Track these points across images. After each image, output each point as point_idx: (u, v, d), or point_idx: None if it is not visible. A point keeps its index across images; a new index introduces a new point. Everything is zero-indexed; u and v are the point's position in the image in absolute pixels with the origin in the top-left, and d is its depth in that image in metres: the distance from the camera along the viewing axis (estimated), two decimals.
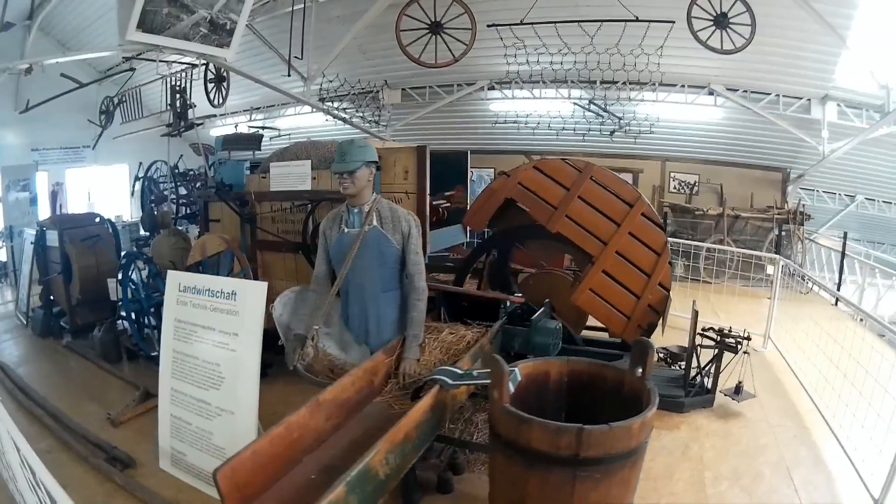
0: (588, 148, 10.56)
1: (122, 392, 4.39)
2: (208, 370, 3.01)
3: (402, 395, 2.63)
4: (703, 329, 4.22)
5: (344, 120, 10.53)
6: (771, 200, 10.42)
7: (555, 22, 7.57)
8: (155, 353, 4.77)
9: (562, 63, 8.36)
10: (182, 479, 3.14)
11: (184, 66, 7.93)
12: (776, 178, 10.70)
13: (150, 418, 3.72)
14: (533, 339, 3.12)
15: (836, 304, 7.69)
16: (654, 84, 8.84)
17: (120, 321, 5.30)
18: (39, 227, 5.91)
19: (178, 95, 6.73)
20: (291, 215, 5.09)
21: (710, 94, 9.26)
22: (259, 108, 12.73)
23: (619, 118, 9.81)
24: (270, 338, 3.01)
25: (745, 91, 9.08)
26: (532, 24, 7.53)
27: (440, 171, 4.76)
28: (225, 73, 8.34)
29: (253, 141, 7.02)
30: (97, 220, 6.06)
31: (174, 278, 3.29)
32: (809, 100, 8.86)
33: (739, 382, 4.23)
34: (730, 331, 4.20)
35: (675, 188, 11.29)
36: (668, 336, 4.20)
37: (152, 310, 4.86)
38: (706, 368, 4.23)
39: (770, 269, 8.55)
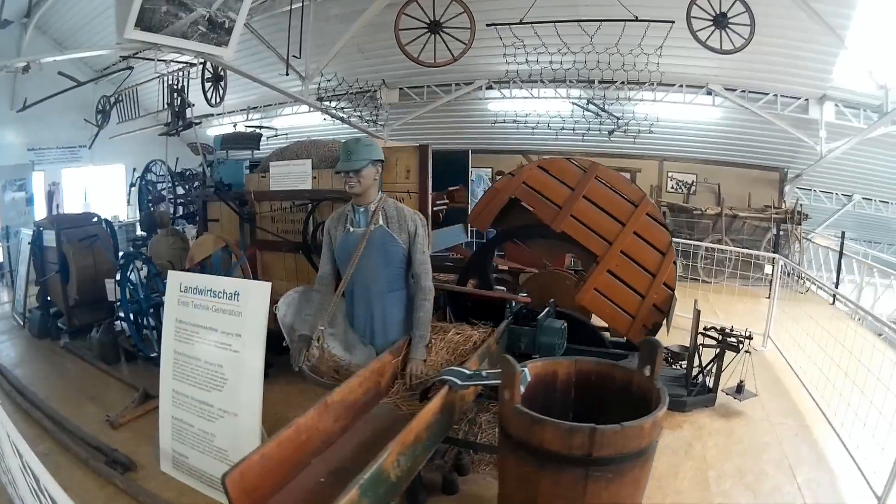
0: (586, 148, 10.57)
1: (120, 393, 4.35)
2: (210, 371, 2.97)
3: (409, 396, 2.60)
4: (705, 328, 4.23)
5: (342, 119, 10.51)
6: (768, 200, 10.46)
7: (554, 21, 7.56)
8: (154, 354, 4.73)
9: (561, 63, 8.36)
10: (184, 481, 3.10)
11: (181, 66, 7.88)
12: (773, 177, 10.74)
13: (150, 420, 3.69)
14: (539, 339, 3.11)
15: (834, 303, 7.72)
16: (652, 84, 8.85)
17: (118, 322, 5.26)
18: (36, 227, 5.85)
19: (176, 94, 6.68)
20: (291, 215, 5.06)
21: (709, 93, 9.28)
22: (256, 107, 12.69)
23: (618, 118, 9.82)
24: (273, 338, 2.98)
25: (744, 91, 9.11)
26: (531, 23, 7.52)
27: (441, 171, 4.74)
28: (222, 73, 8.30)
29: (252, 140, 6.99)
30: (94, 219, 6.01)
31: (175, 278, 3.25)
32: (807, 100, 8.89)
33: (741, 381, 4.24)
34: (731, 330, 4.21)
35: (672, 188, 11.32)
36: (670, 335, 4.21)
37: (151, 310, 4.82)
38: (707, 368, 4.23)
39: (768, 269, 8.59)
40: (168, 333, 3.23)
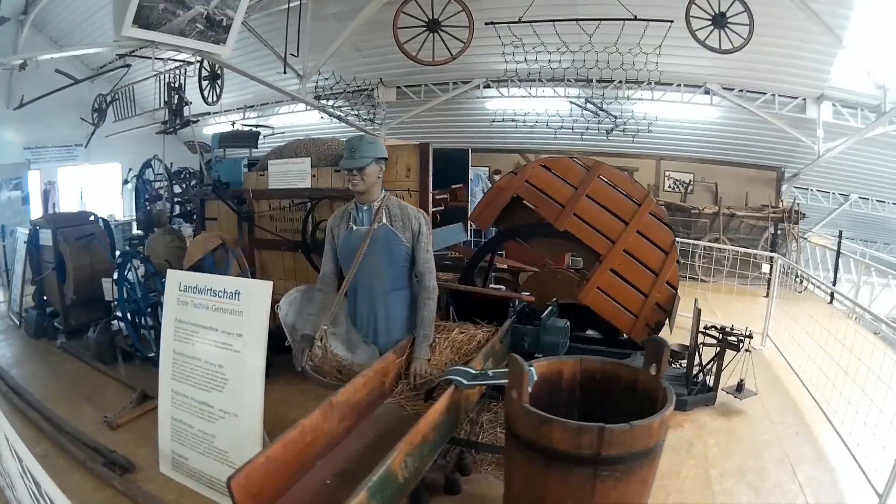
0: (584, 147, 10.56)
1: (118, 394, 4.30)
2: (211, 372, 2.94)
3: (414, 396, 2.59)
4: (706, 327, 4.23)
5: (339, 118, 10.47)
6: (765, 199, 10.48)
7: (553, 20, 7.55)
8: (152, 354, 4.70)
9: (560, 62, 8.35)
10: (184, 483, 3.07)
11: (178, 64, 7.84)
12: (770, 176, 10.76)
13: (149, 421, 3.66)
14: (543, 338, 3.09)
15: (832, 302, 7.74)
16: (650, 83, 8.85)
17: (115, 321, 5.22)
18: (33, 225, 5.80)
19: (174, 92, 6.64)
20: (290, 213, 5.03)
21: (707, 93, 9.29)
22: (252, 105, 12.64)
23: (616, 117, 9.82)
24: (273, 338, 2.95)
25: (741, 90, 9.12)
26: (530, 22, 7.51)
27: (440, 169, 4.73)
28: (219, 71, 8.26)
29: (250, 138, 6.96)
30: (91, 218, 5.96)
31: (174, 277, 3.22)
32: (805, 99, 8.91)
33: (741, 380, 4.25)
34: (732, 329, 4.22)
35: (669, 187, 11.33)
36: (670, 335, 4.20)
37: (149, 310, 4.78)
38: (708, 366, 4.24)
39: (766, 268, 8.61)
40: (167, 333, 3.19)
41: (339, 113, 10.45)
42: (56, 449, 3.42)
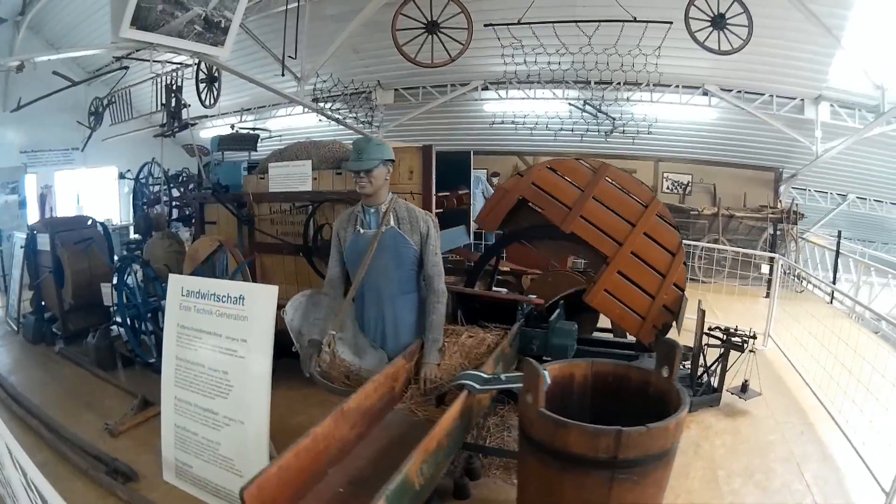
0: (583, 149, 10.56)
1: (118, 400, 4.24)
2: (215, 378, 2.89)
3: (424, 401, 2.56)
4: (710, 328, 4.22)
5: (337, 121, 10.44)
6: (763, 200, 10.50)
7: (552, 22, 7.55)
8: (152, 360, 4.65)
9: (560, 63, 8.34)
10: (188, 491, 3.02)
11: (175, 66, 7.79)
12: (769, 177, 10.78)
13: (150, 428, 3.61)
14: (551, 341, 3.07)
15: (832, 302, 7.76)
16: (649, 85, 8.86)
17: (114, 327, 5.17)
18: (30, 230, 5.74)
19: (172, 94, 6.59)
20: (291, 217, 5.01)
21: (705, 94, 9.31)
22: (249, 109, 12.59)
23: (614, 119, 9.82)
24: (277, 343, 2.91)
25: (739, 91, 9.15)
26: (529, 23, 7.50)
27: (442, 172, 4.72)
28: (217, 73, 8.21)
29: (250, 141, 6.92)
30: (89, 222, 5.91)
31: (177, 282, 3.17)
32: (803, 100, 8.94)
33: (745, 381, 4.25)
34: (736, 330, 4.21)
35: (668, 188, 11.34)
36: (673, 335, 4.20)
37: (149, 315, 4.73)
38: (712, 367, 4.23)
39: (765, 269, 8.63)
40: (169, 339, 3.14)
41: (336, 116, 10.42)
42: (57, 457, 3.37)
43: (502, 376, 2.40)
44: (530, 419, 1.99)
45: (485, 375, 2.38)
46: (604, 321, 4.53)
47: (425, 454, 1.76)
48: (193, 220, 6.02)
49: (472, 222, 6.10)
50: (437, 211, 5.22)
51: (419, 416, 2.42)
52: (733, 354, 4.16)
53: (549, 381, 1.97)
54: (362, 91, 10.64)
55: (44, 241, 5.51)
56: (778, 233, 9.80)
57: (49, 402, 4.20)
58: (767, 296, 8.01)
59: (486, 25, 7.76)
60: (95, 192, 12.45)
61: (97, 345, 4.93)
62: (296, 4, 7.75)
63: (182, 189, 7.42)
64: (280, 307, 2.81)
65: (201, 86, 8.15)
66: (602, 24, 7.39)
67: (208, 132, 12.28)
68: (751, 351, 4.17)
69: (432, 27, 7.39)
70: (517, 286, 5.39)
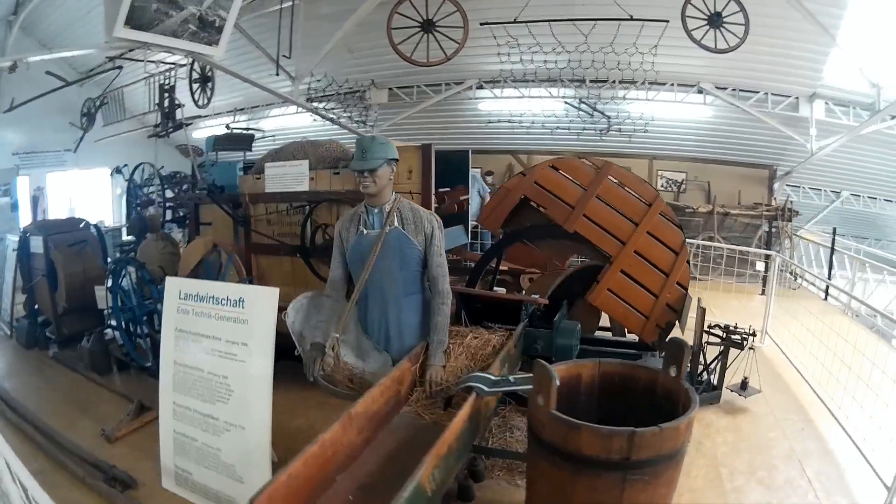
0: (579, 147, 10.56)
1: (114, 405, 4.19)
2: (215, 383, 2.84)
3: (430, 404, 2.53)
4: (710, 326, 4.23)
5: (332, 120, 10.38)
6: (758, 197, 10.54)
7: (549, 20, 7.53)
8: (148, 364, 4.59)
9: (556, 62, 8.33)
10: (188, 498, 2.98)
11: (169, 66, 7.72)
12: (763, 175, 10.82)
13: (148, 433, 3.57)
14: (556, 341, 3.05)
15: (826, 298, 7.81)
16: (644, 83, 8.86)
17: (109, 330, 5.10)
18: (23, 233, 5.66)
19: (166, 94, 6.52)
20: (289, 217, 4.95)
21: (700, 92, 9.31)
22: (242, 109, 12.48)
23: (609, 117, 9.82)
24: (281, 346, 2.87)
25: (734, 89, 9.16)
26: (526, 22, 7.48)
27: (440, 171, 4.68)
28: (210, 73, 8.14)
29: (245, 141, 6.85)
30: (82, 224, 5.84)
31: (174, 285, 3.12)
32: (798, 98, 8.97)
33: (745, 378, 4.26)
34: (735, 327, 4.22)
35: (662, 186, 11.34)
36: (675, 333, 4.20)
37: (145, 318, 4.67)
38: (712, 365, 4.23)
39: (760, 266, 8.66)
40: (167, 343, 3.09)
41: (331, 115, 10.36)
42: (53, 464, 3.31)
43: (511, 378, 2.38)
44: (541, 421, 1.98)
45: (493, 377, 2.36)
46: (602, 320, 4.53)
47: (437, 459, 1.73)
48: (188, 222, 5.95)
49: (469, 222, 6.08)
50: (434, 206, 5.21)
51: (426, 419, 2.39)
52: (732, 352, 4.17)
53: (557, 382, 1.95)
54: (356, 90, 10.58)
55: (37, 244, 5.44)
56: (773, 230, 9.84)
57: (44, 407, 4.14)
58: (763, 293, 8.05)
59: (482, 24, 7.73)
60: (88, 194, 12.34)
61: (92, 349, 4.87)
62: (290, 4, 7.68)
63: (176, 190, 7.35)
64: (281, 309, 2.77)
65: (194, 86, 8.09)
66: (599, 22, 7.38)
67: (201, 132, 12.17)
68: (750, 348, 4.18)
69: (428, 26, 7.36)
70: (515, 286, 5.36)
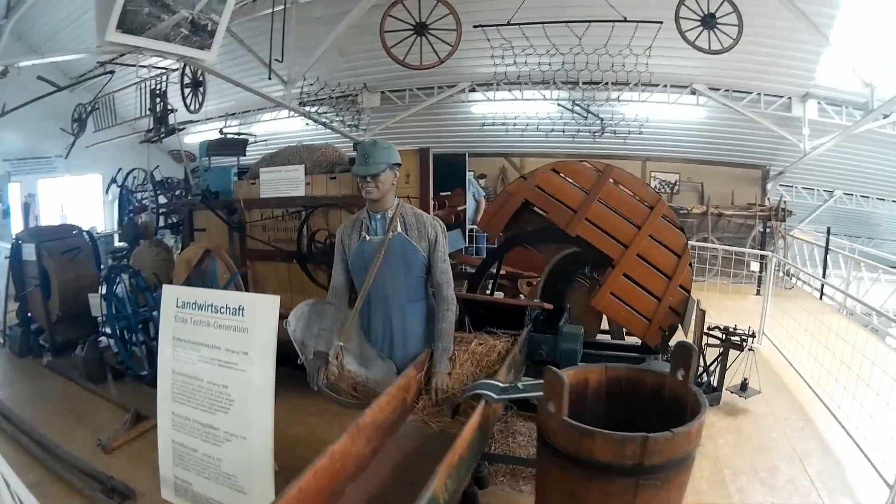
0: (573, 149, 10.58)
1: (110, 415, 4.12)
2: (215, 392, 2.79)
3: (436, 412, 2.49)
4: (709, 328, 4.23)
5: (324, 124, 10.34)
6: (751, 197, 10.60)
7: (543, 22, 7.53)
8: (144, 373, 4.53)
9: (550, 64, 8.33)
10: None
11: (159, 71, 7.65)
12: (756, 175, 10.88)
13: (145, 442, 3.51)
14: (560, 346, 3.04)
15: (822, 297, 7.85)
16: (638, 84, 8.89)
17: (103, 338, 5.03)
18: (15, 240, 5.58)
19: (158, 99, 6.46)
20: (284, 223, 4.91)
21: (693, 93, 9.35)
22: (234, 113, 12.41)
23: (603, 119, 9.84)
24: (282, 354, 2.82)
25: (727, 90, 9.20)
26: (519, 24, 7.48)
27: (436, 174, 4.66)
28: (201, 78, 8.09)
29: (238, 146, 6.80)
30: (75, 231, 5.76)
31: (171, 293, 3.06)
32: (790, 98, 9.02)
33: (745, 379, 4.27)
34: (735, 329, 4.22)
35: (655, 188, 11.38)
36: (673, 335, 4.21)
37: (140, 326, 4.61)
38: (711, 367, 4.23)
39: (755, 266, 8.70)
40: (165, 352, 3.03)
41: (323, 119, 10.32)
42: (50, 476, 3.25)
43: (519, 385, 2.35)
44: (553, 428, 1.96)
45: (501, 384, 2.33)
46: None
47: (449, 469, 1.71)
48: (181, 228, 5.89)
49: (466, 225, 6.06)
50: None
51: (433, 428, 2.36)
52: (732, 353, 4.17)
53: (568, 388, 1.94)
54: (349, 94, 10.55)
55: (29, 251, 5.36)
56: (767, 230, 9.89)
57: (39, 417, 4.08)
58: (758, 293, 8.09)
59: (475, 27, 7.72)
60: (80, 200, 12.21)
61: (86, 357, 4.80)
62: (282, 7, 7.63)
63: (169, 195, 7.28)
64: (282, 317, 2.73)
65: (186, 90, 8.03)
66: (592, 24, 7.39)
67: (192, 138, 12.10)
68: (750, 349, 4.19)
69: (421, 28, 7.33)
70: (513, 290, 5.35)
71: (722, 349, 4.18)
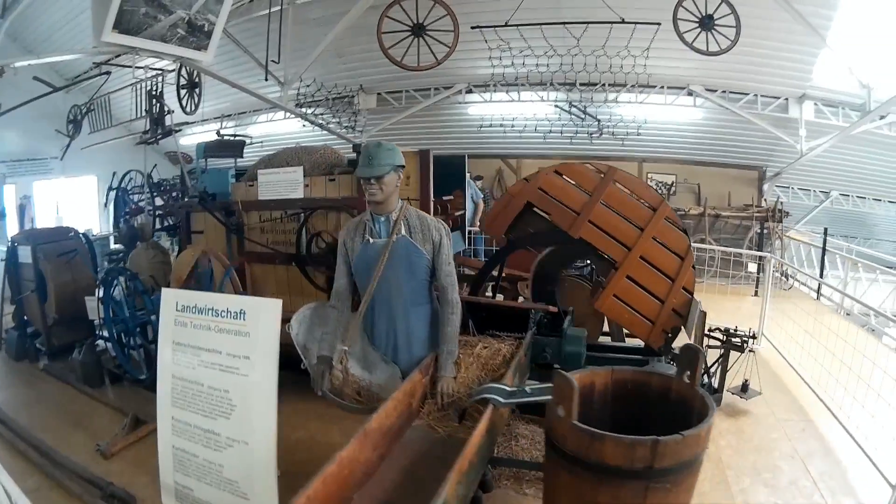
0: (570, 151, 10.58)
1: (108, 419, 4.09)
2: (216, 397, 2.75)
3: (442, 417, 2.47)
4: (710, 329, 4.23)
5: (321, 126, 10.30)
6: (747, 198, 10.63)
7: (540, 24, 7.52)
8: (143, 377, 4.49)
9: (547, 65, 8.32)
10: None
11: (156, 72, 7.60)
12: (752, 176, 10.93)
13: (144, 447, 3.49)
14: (565, 349, 3.02)
15: (819, 298, 7.87)
16: (635, 85, 8.89)
17: (100, 341, 4.99)
18: (11, 242, 5.53)
19: (155, 100, 6.41)
20: (283, 225, 4.88)
21: (690, 94, 9.38)
22: (230, 115, 12.36)
23: (599, 121, 9.85)
24: (284, 359, 2.79)
25: (724, 91, 9.23)
26: (517, 25, 7.47)
27: (435, 175, 4.65)
28: (197, 79, 8.04)
29: (235, 147, 6.76)
30: (71, 234, 5.71)
31: (171, 297, 3.02)
32: (787, 99, 9.05)
33: (745, 381, 4.28)
34: (735, 330, 4.22)
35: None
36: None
37: (138, 329, 4.57)
38: (712, 368, 4.23)
39: (752, 267, 8.73)
40: (164, 356, 2.99)
41: (319, 121, 10.28)
42: (49, 482, 3.22)
43: (527, 389, 2.33)
44: (562, 433, 1.95)
45: (508, 388, 2.31)
46: None
47: (459, 475, 1.69)
48: (178, 230, 5.86)
49: (466, 227, 6.05)
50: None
51: (439, 433, 2.34)
52: (732, 355, 4.17)
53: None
54: (345, 95, 10.52)
55: (25, 254, 5.31)
56: (764, 231, 9.92)
57: (36, 422, 4.04)
58: (756, 294, 8.12)
59: (472, 28, 7.71)
60: (75, 202, 12.13)
61: (83, 360, 4.76)
62: (279, 8, 7.59)
63: (165, 197, 7.24)
64: (285, 321, 2.70)
65: (182, 91, 7.98)
66: (590, 25, 7.38)
67: (188, 139, 12.04)
68: (750, 351, 4.19)
69: (418, 30, 7.31)
70: (513, 292, 5.33)
71: (723, 351, 4.18)
